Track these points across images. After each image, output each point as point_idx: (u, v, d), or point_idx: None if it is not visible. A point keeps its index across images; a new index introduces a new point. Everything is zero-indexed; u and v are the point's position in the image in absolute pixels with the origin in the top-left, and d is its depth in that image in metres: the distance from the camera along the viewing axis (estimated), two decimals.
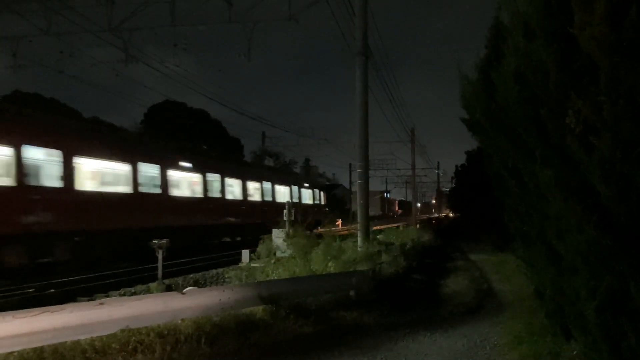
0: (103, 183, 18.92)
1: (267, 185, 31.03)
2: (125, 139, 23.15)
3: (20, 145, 15.07)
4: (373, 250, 13.89)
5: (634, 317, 4.19)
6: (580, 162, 4.36)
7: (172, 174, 22.21)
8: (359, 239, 15.03)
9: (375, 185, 71.42)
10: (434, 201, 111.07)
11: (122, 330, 6.69)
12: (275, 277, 10.97)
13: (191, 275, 16.33)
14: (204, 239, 23.80)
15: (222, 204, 25.76)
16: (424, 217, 77.77)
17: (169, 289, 12.86)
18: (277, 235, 16.27)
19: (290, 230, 15.24)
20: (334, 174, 67.36)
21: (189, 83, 46.74)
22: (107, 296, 12.73)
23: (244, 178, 28.38)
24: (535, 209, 5.68)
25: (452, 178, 49.81)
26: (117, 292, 13.55)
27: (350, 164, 55.74)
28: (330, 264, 11.67)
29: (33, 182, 15.52)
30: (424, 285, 13.66)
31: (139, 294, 12.39)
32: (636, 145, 3.90)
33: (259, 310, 8.55)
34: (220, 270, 17.06)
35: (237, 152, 51.63)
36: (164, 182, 21.43)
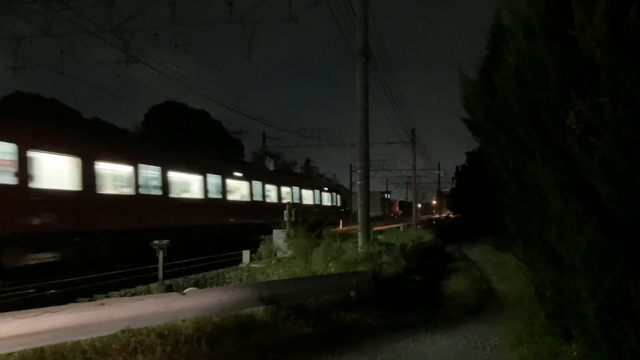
0: (184, 191, 23.36)
1: (296, 189, 35.96)
2: (198, 156, 29.65)
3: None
4: (373, 251, 13.88)
5: (635, 318, 4.19)
6: (580, 163, 4.36)
7: (230, 183, 27.06)
8: (360, 240, 15.02)
9: (375, 186, 71.44)
10: (434, 202, 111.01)
11: (123, 331, 6.69)
12: (276, 278, 10.97)
13: (192, 276, 16.33)
14: (249, 235, 25.39)
15: (261, 206, 30.19)
16: (425, 217, 77.78)
17: (169, 289, 12.86)
18: (278, 236, 16.28)
19: (291, 231, 15.25)
20: (334, 175, 67.44)
21: (189, 83, 46.71)
22: (107, 296, 12.75)
23: (279, 184, 33.27)
24: (536, 209, 5.68)
25: (453, 179, 49.86)
26: (118, 292, 13.57)
27: (350, 165, 55.72)
28: (330, 264, 11.67)
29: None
30: (425, 286, 13.65)
31: (140, 294, 12.39)
32: (636, 146, 3.90)
33: (259, 310, 8.55)
34: (221, 270, 17.07)
35: (238, 153, 51.61)
36: (224, 189, 26.24)
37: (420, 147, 49.42)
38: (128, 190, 19.54)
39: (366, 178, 15.73)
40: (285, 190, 33.66)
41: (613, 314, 4.36)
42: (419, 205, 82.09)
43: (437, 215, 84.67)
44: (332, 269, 11.49)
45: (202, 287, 12.72)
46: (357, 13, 15.46)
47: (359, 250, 14.05)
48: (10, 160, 14.70)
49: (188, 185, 23.73)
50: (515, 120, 5.53)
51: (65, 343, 6.28)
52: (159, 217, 20.81)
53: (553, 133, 4.79)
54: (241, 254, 17.18)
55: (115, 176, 19.09)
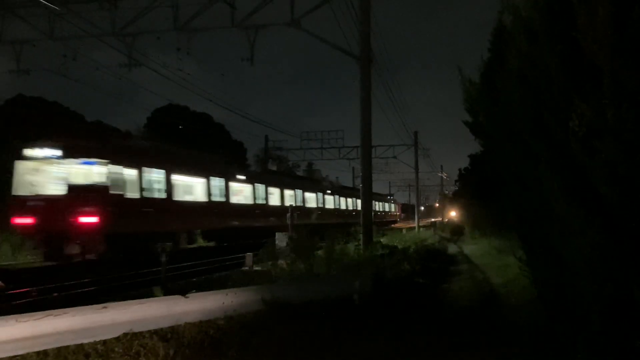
0: (243, 198, 28.79)
1: (338, 197, 46.05)
2: (254, 172, 38.64)
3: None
4: (376, 254, 13.87)
5: (639, 322, 4.17)
6: (583, 166, 4.35)
7: (271, 190, 31.80)
8: (362, 243, 15.01)
9: (378, 188, 71.29)
10: (437, 204, 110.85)
11: (126, 334, 6.70)
12: (278, 281, 10.97)
13: (194, 279, 16.31)
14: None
15: (303, 211, 34.70)
16: (428, 220, 77.68)
17: (172, 292, 12.83)
18: (281, 239, 16.29)
19: (294, 234, 15.26)
20: (337, 177, 67.72)
21: (191, 87, 46.80)
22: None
23: (324, 193, 42.30)
24: (539, 212, 5.66)
25: (456, 181, 49.82)
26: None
27: (353, 168, 55.67)
28: (333, 267, 11.67)
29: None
30: (428, 290, 13.61)
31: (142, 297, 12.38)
32: None
33: (261, 313, 8.54)
34: (224, 274, 17.05)
35: (240, 156, 51.62)
36: (266, 196, 31.11)
37: (422, 150, 49.40)
38: (218, 198, 25.67)
39: (369, 182, 15.73)
40: (328, 198, 43.02)
41: (617, 319, 4.33)
42: (422, 208, 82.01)
43: (440, 218, 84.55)
44: (335, 272, 11.49)
45: (206, 290, 12.69)
46: (359, 18, 15.49)
47: (362, 253, 14.04)
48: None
49: (242, 192, 28.59)
50: (517, 123, 5.52)
51: (69, 346, 6.29)
52: (223, 219, 25.59)
53: (556, 136, 4.78)
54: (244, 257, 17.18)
55: (195, 186, 24.13)
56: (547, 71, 4.71)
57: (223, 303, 7.98)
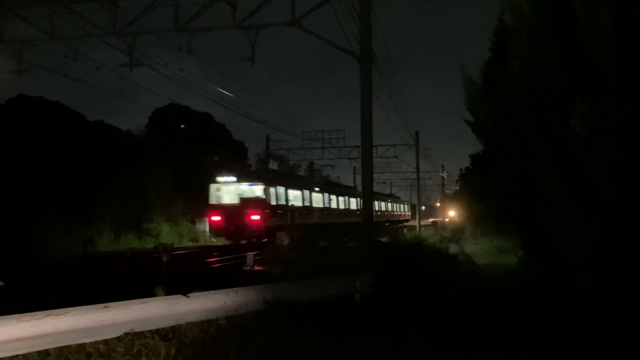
0: (332, 204, 42.15)
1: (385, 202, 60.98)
2: (345, 187, 51.28)
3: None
4: (377, 254, 13.86)
5: (639, 320, 4.17)
6: (584, 166, 4.35)
7: (331, 197, 42.45)
8: (363, 242, 15.01)
9: (379, 188, 71.32)
10: (438, 204, 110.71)
11: (127, 334, 6.70)
12: (280, 281, 10.96)
13: (197, 279, 16.29)
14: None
15: (347, 212, 45.55)
16: (429, 220, 77.62)
17: (174, 292, 12.83)
18: (282, 237, 16.30)
19: (297, 233, 15.27)
20: (338, 177, 67.98)
21: (192, 86, 46.74)
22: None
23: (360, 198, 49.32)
24: (540, 211, 5.67)
25: (457, 181, 49.76)
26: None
27: (354, 167, 55.69)
28: (334, 266, 11.65)
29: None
30: (429, 289, 13.60)
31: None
32: None
33: (263, 313, 8.54)
34: (226, 274, 17.06)
35: (241, 156, 51.62)
36: (329, 201, 41.63)
37: (424, 149, 49.39)
38: (306, 203, 36.61)
39: (370, 182, 15.72)
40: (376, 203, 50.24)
41: (617, 317, 4.34)
42: (423, 208, 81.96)
43: (441, 218, 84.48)
44: (336, 271, 11.47)
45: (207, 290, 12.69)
46: (360, 16, 15.48)
47: (363, 252, 14.03)
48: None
49: (332, 201, 42.23)
50: (519, 122, 5.52)
51: (70, 346, 6.29)
52: (325, 218, 38.96)
53: (557, 135, 4.78)
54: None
55: (318, 198, 38.99)
56: (548, 71, 4.72)
57: (224, 303, 7.98)
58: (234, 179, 30.42)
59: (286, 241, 16.38)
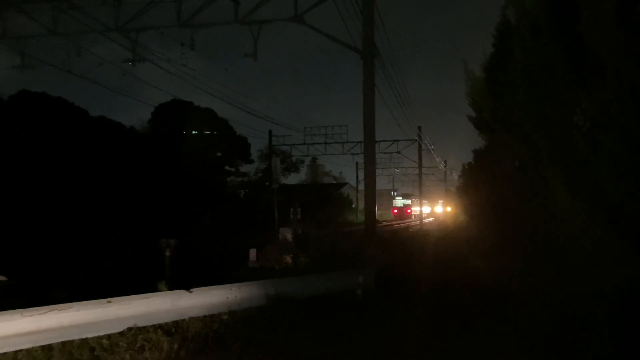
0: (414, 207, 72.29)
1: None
2: (406, 193, 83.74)
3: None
4: (378, 250, 13.87)
5: None
6: (587, 160, 4.34)
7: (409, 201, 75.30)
8: (366, 238, 15.00)
9: (381, 183, 71.79)
10: (440, 200, 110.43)
11: (130, 329, 6.72)
12: (282, 276, 10.99)
13: (199, 274, 16.31)
14: None
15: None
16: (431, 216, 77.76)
17: (176, 287, 12.84)
18: (285, 232, 16.31)
19: (297, 228, 15.28)
20: (340, 172, 68.57)
21: (195, 82, 46.68)
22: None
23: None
24: (543, 207, 5.66)
25: (459, 177, 49.70)
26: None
27: (357, 162, 55.74)
28: (336, 262, 11.68)
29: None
30: (431, 285, 13.61)
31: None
32: None
33: (265, 308, 8.56)
34: (229, 269, 17.07)
35: (244, 151, 51.57)
36: (410, 205, 72.66)
37: (426, 145, 49.30)
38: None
39: (372, 178, 15.68)
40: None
41: (620, 313, 4.33)
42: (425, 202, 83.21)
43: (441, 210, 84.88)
44: (339, 267, 11.49)
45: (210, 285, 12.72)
46: (362, 11, 15.43)
47: (366, 248, 14.04)
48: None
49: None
50: (521, 118, 5.51)
51: (73, 341, 6.32)
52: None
53: (560, 130, 4.77)
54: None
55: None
56: (550, 66, 4.70)
57: (227, 298, 8.00)
58: (399, 197, 77.75)
59: (289, 236, 16.39)
